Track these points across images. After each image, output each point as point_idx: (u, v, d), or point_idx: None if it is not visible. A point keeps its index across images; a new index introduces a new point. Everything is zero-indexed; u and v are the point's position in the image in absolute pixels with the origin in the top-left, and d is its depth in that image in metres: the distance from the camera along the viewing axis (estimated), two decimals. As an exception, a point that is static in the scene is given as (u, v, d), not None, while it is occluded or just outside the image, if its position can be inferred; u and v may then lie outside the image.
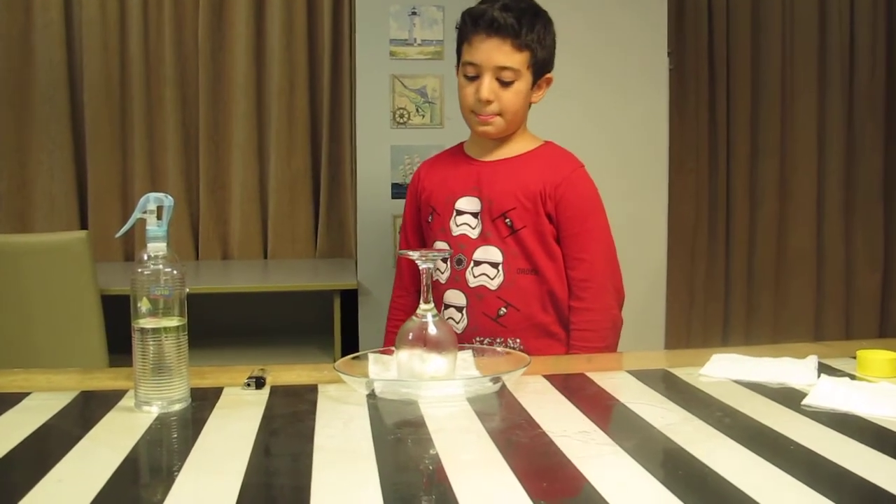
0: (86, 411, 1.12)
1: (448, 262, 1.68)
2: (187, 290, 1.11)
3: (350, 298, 2.72)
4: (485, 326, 1.66)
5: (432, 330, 1.19)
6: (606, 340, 1.65)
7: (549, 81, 1.70)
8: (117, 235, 1.24)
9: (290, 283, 2.76)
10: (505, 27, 1.58)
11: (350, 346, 2.67)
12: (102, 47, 3.15)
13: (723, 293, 3.49)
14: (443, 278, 1.68)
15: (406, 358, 1.19)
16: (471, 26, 1.62)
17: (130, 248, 3.21)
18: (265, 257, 3.31)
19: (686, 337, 3.39)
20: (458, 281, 1.67)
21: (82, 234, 2.36)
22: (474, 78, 1.62)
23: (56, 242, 2.36)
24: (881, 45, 3.48)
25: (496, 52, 1.59)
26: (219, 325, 2.91)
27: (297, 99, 3.26)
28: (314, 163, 3.32)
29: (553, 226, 1.65)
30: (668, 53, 2.74)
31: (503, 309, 1.64)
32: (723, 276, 3.49)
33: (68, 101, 3.16)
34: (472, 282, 1.66)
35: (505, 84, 1.61)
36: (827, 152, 3.52)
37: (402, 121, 2.66)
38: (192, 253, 3.27)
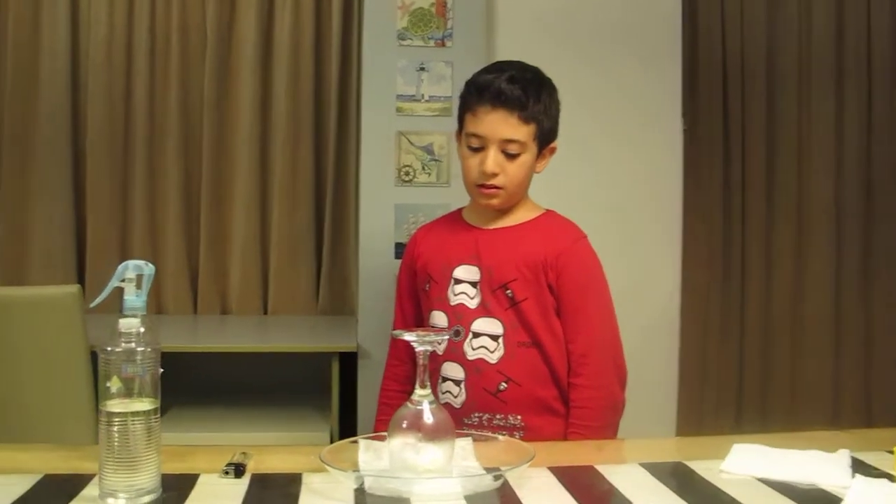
0: (46, 502, 1.03)
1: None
2: (161, 370, 1.02)
3: (350, 358, 2.62)
4: (484, 402, 1.56)
5: (428, 418, 1.09)
6: (605, 419, 1.57)
7: (552, 151, 1.64)
8: (91, 305, 1.16)
9: (286, 344, 2.67)
10: (512, 100, 1.53)
11: (348, 408, 2.56)
12: (107, 95, 3.10)
13: (737, 362, 3.36)
14: (440, 349, 1.59)
15: (399, 447, 1.09)
16: (476, 97, 1.57)
17: (127, 300, 3.13)
18: (265, 312, 3.21)
19: (699, 409, 3.25)
20: (455, 353, 1.58)
21: (74, 288, 2.28)
22: (478, 149, 1.56)
23: (47, 296, 2.28)
24: (899, 110, 3.42)
25: (502, 125, 1.54)
26: (214, 383, 2.82)
27: (301, 152, 3.20)
28: (317, 218, 3.24)
29: (554, 298, 1.57)
30: (682, 115, 2.69)
31: (503, 384, 1.55)
32: (737, 344, 3.37)
33: (70, 150, 3.10)
34: (471, 354, 1.57)
35: (510, 156, 1.55)
36: (845, 217, 3.43)
37: (407, 178, 2.58)
38: (190, 307, 3.18)
